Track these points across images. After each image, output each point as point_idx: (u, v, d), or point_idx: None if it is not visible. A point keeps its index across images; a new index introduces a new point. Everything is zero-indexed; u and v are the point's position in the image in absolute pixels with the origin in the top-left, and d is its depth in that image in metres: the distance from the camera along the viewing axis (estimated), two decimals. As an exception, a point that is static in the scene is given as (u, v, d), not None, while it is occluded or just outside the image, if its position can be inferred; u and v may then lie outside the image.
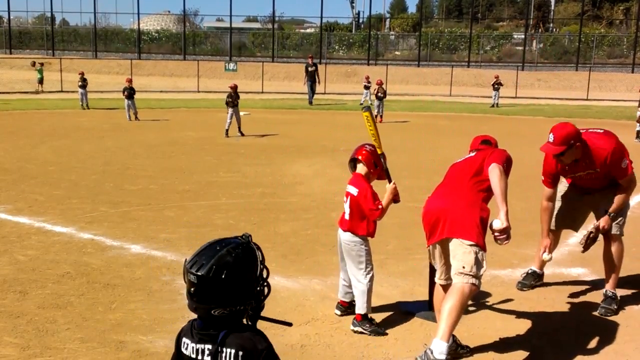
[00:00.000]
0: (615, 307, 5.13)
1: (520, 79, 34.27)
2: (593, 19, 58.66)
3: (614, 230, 5.13)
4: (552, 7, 66.01)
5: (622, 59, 47.50)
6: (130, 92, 19.05)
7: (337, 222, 4.78)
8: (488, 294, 5.35)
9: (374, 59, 46.74)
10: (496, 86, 27.01)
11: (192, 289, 1.99)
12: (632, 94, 34.17)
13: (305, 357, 4.23)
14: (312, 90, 26.25)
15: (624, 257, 5.22)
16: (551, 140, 4.86)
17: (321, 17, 47.71)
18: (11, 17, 51.40)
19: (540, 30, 61.28)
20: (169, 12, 71.05)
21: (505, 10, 72.15)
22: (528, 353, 4.37)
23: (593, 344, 4.53)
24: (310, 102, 26.09)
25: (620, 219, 5.16)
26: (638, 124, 16.64)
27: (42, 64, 30.69)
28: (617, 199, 5.05)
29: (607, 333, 4.71)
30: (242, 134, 15.83)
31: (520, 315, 4.98)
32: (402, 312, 4.99)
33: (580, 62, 44.33)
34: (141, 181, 9.97)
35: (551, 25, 64.13)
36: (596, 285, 5.75)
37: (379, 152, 4.57)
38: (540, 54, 50.31)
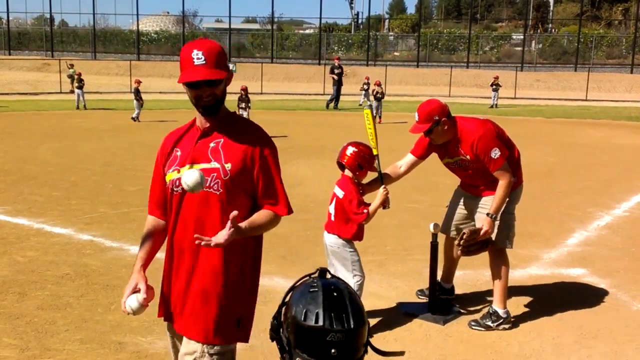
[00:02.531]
0: (491, 324, 4.67)
1: (519, 80, 34.28)
2: (592, 19, 58.65)
3: (497, 243, 4.66)
4: (551, 8, 66.05)
5: (621, 60, 47.52)
6: (139, 94, 19.30)
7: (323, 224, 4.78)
8: (486, 295, 5.36)
9: (373, 60, 46.69)
10: (495, 87, 26.95)
11: (334, 350, 1.68)
12: (631, 95, 34.27)
13: (304, 357, 4.23)
14: (338, 94, 25.03)
15: (626, 259, 5.20)
16: (416, 119, 4.57)
17: (320, 18, 47.80)
18: (10, 18, 51.52)
19: (539, 30, 61.27)
20: (167, 13, 70.99)
21: (504, 10, 72.21)
22: (527, 353, 4.38)
23: (593, 344, 4.54)
24: (334, 106, 24.84)
25: (505, 231, 4.65)
26: None
27: (72, 65, 30.33)
28: (495, 198, 4.52)
29: (607, 333, 4.71)
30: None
31: (519, 315, 4.98)
32: (402, 313, 4.99)
33: (579, 63, 44.34)
34: (141, 182, 9.96)
35: (550, 25, 64.12)
36: (596, 285, 5.76)
37: (375, 152, 4.55)
38: (539, 55, 50.30)
